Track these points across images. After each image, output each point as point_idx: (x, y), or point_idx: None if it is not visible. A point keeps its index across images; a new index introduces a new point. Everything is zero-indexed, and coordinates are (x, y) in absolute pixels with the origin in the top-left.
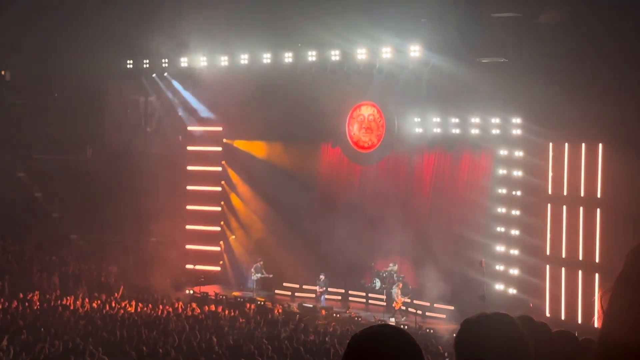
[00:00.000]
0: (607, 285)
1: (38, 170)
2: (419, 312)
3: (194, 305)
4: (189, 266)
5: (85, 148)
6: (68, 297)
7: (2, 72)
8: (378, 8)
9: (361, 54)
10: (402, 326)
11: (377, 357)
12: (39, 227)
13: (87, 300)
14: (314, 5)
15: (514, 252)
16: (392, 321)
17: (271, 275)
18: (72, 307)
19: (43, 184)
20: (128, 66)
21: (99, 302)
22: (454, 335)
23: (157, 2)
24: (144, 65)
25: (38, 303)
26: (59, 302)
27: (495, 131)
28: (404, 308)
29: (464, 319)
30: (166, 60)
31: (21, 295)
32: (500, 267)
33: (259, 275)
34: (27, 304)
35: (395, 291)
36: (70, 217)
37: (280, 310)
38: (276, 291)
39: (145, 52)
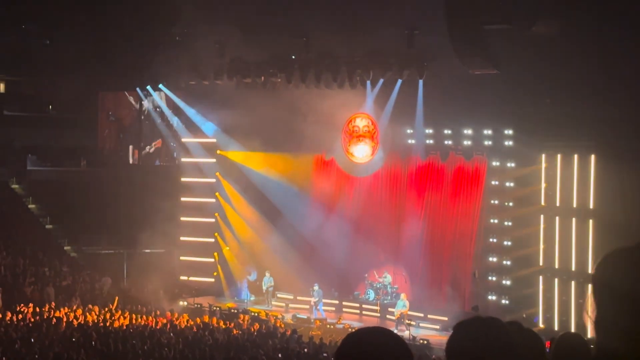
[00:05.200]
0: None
1: (32, 182)
2: (413, 322)
3: (186, 316)
4: (182, 277)
5: (79, 160)
6: (62, 309)
7: None
8: (374, 20)
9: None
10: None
11: (369, 356)
12: (32, 239)
13: (80, 312)
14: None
15: (507, 262)
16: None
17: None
18: (65, 319)
19: (37, 196)
20: (123, 78)
21: (92, 313)
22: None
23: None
24: (139, 78)
25: (31, 316)
26: (53, 314)
27: (488, 142)
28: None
29: (457, 323)
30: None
31: (16, 307)
32: (493, 278)
33: (270, 285)
34: (20, 316)
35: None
36: (64, 228)
37: (274, 322)
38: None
39: (141, 65)
